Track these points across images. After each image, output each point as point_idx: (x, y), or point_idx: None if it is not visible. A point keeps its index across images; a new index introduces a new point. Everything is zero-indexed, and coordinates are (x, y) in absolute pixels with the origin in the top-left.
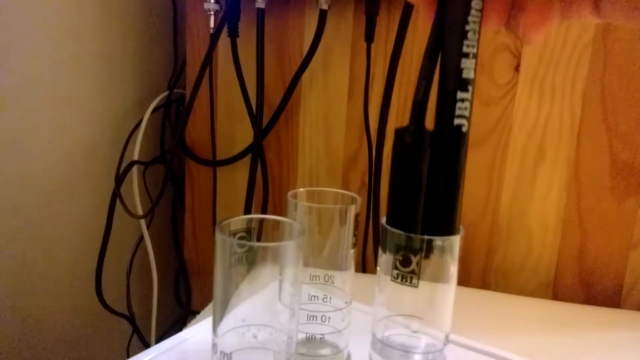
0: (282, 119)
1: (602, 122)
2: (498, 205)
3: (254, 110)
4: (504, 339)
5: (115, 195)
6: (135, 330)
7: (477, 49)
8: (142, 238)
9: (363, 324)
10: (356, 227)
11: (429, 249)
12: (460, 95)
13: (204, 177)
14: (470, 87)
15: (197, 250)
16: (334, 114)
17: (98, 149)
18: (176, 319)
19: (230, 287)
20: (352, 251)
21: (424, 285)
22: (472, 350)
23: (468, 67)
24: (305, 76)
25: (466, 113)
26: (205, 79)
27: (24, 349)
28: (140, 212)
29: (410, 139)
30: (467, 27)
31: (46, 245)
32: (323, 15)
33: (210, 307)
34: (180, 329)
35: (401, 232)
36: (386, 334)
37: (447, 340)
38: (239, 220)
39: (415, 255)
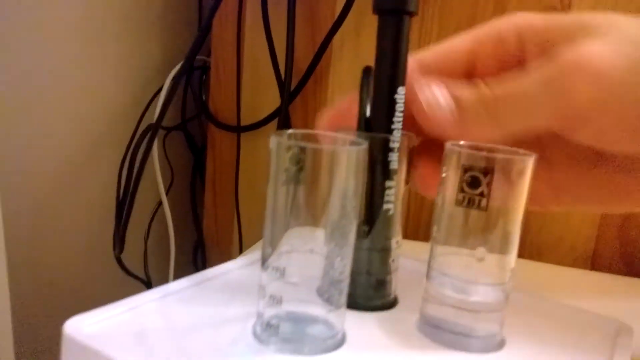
0: (310, 83)
1: None
2: None
3: (282, 74)
4: None
5: (134, 157)
6: None
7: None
8: (160, 203)
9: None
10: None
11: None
12: (387, 184)
13: (226, 144)
14: (395, 177)
15: (217, 219)
16: None
17: (120, 114)
18: None
19: (281, 205)
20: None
21: (489, 211)
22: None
23: (394, 160)
24: (336, 40)
25: (392, 198)
26: (233, 43)
27: (38, 305)
28: (159, 177)
29: None
30: (393, 127)
31: (67, 206)
32: None
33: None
34: None
35: None
36: (444, 263)
37: (512, 274)
38: (293, 134)
39: (485, 175)
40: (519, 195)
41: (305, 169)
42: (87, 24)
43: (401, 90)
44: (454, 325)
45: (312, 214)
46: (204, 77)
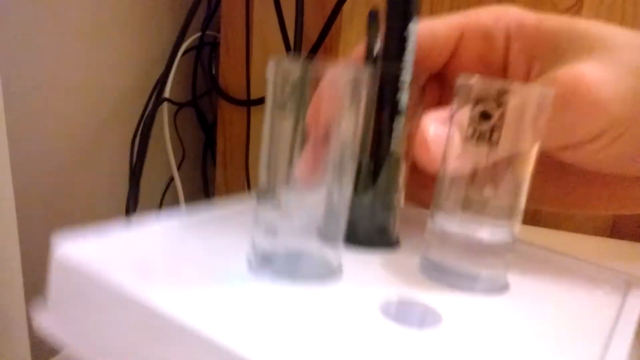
0: (320, 53)
1: None
2: None
3: (292, 45)
4: None
5: (145, 132)
6: None
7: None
8: (172, 179)
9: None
10: None
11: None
12: (395, 124)
13: (237, 120)
14: (403, 117)
15: (228, 194)
16: None
17: (130, 91)
18: None
19: (278, 137)
20: None
21: (500, 147)
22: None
23: (403, 99)
24: (346, 8)
25: (400, 139)
26: (242, 16)
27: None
28: (171, 152)
29: None
30: (403, 63)
31: (79, 182)
32: None
33: None
34: None
35: None
36: (449, 202)
37: (520, 215)
38: (293, 63)
39: (498, 107)
40: (532, 132)
41: (304, 98)
42: (98, 4)
43: (413, 24)
44: (456, 265)
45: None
46: (214, 53)
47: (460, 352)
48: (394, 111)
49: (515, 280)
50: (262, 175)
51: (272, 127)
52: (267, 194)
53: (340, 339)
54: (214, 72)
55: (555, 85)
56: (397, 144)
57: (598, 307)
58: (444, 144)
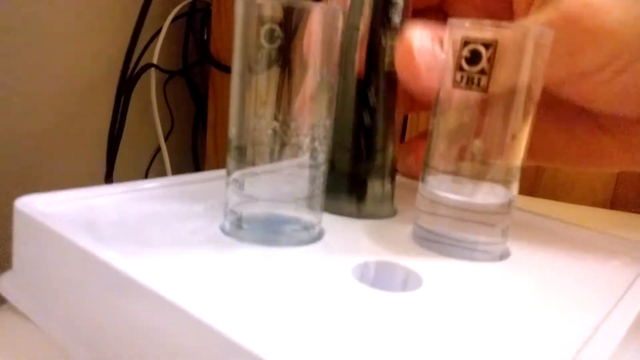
0: None
1: None
2: None
3: None
4: None
5: (127, 96)
6: None
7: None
8: (159, 149)
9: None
10: None
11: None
12: (389, 43)
13: (228, 89)
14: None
15: (219, 166)
16: None
17: (118, 57)
18: None
19: (253, 87)
20: None
21: (493, 94)
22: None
23: (396, 16)
24: None
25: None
26: None
27: None
28: (158, 121)
29: None
30: None
31: (61, 149)
32: None
33: None
34: None
35: None
36: (441, 161)
37: (518, 172)
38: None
39: (487, 48)
40: (530, 77)
41: (281, 42)
42: None
43: None
44: (449, 232)
45: (284, 92)
46: (206, 20)
47: (431, 317)
48: (386, 29)
49: (519, 250)
50: (232, 131)
51: (242, 75)
52: (239, 153)
53: (305, 303)
54: (205, 39)
55: (560, 12)
56: (391, 65)
57: (609, 279)
58: (431, 59)
